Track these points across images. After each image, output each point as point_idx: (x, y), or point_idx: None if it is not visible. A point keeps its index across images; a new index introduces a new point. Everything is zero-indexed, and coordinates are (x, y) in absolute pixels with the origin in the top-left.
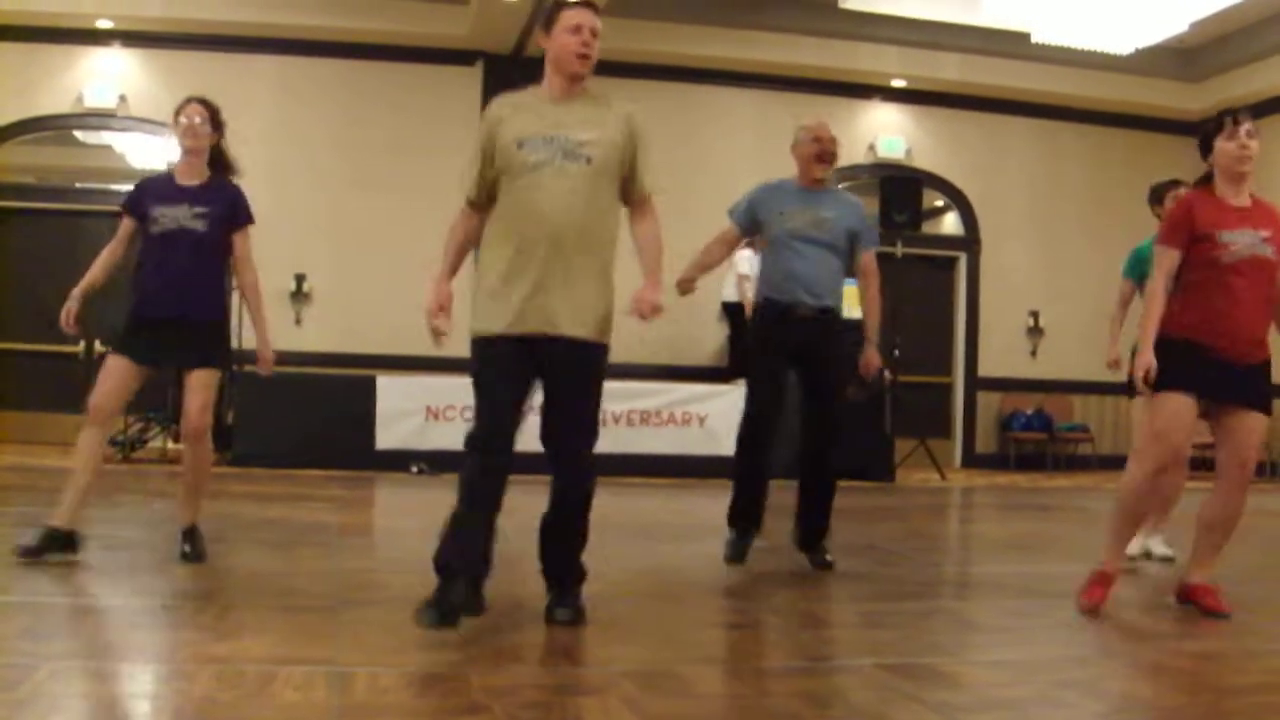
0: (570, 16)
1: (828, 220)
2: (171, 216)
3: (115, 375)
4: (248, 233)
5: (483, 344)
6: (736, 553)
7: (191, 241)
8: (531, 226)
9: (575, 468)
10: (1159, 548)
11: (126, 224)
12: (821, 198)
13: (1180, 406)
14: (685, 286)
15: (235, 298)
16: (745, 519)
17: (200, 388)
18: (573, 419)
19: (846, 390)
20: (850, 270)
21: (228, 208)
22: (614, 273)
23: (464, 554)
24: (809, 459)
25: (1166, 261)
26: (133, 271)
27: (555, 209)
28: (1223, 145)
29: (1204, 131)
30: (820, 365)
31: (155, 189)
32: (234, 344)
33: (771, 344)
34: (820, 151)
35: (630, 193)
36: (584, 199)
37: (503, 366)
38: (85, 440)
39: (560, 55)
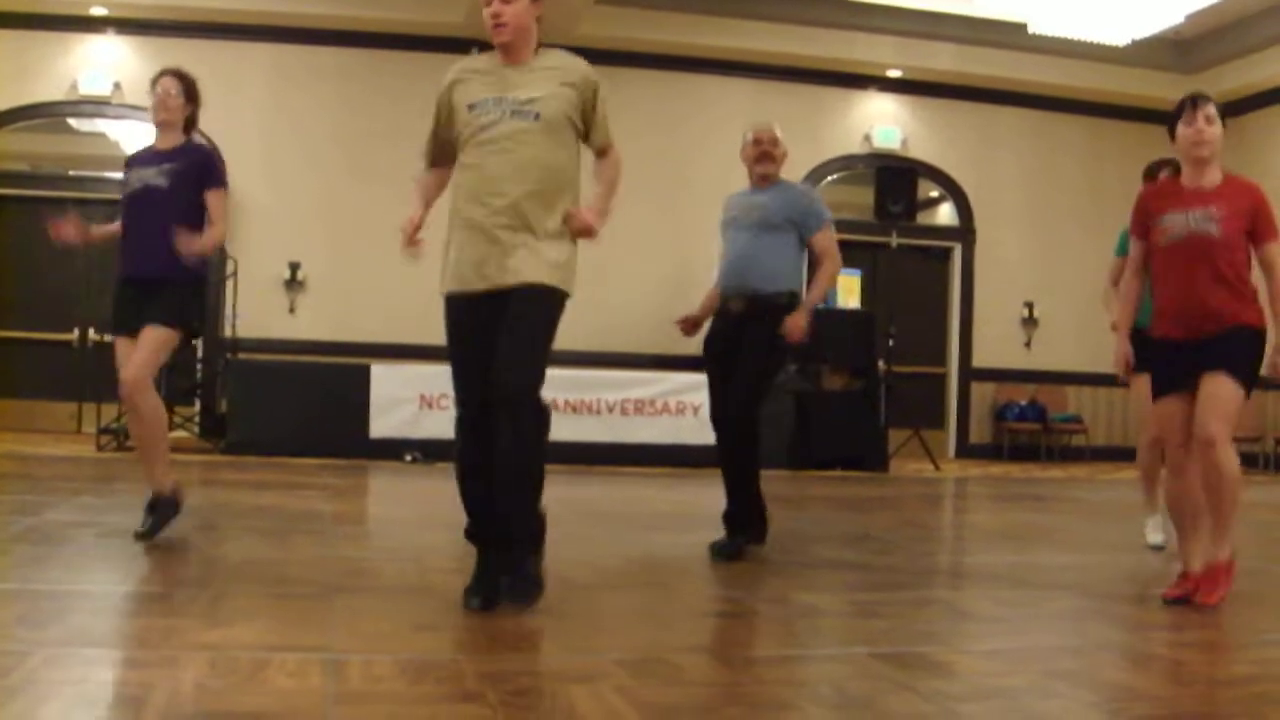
0: None
1: (758, 207)
2: (139, 177)
3: (123, 354)
4: (221, 195)
5: (448, 304)
6: (719, 551)
7: (155, 199)
8: (486, 186)
9: (510, 406)
10: (1153, 535)
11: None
12: (764, 192)
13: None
14: (689, 329)
15: (229, 286)
16: (728, 520)
17: (146, 341)
18: (509, 352)
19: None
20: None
21: (194, 167)
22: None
23: (478, 523)
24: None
25: (1133, 250)
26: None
27: (507, 168)
28: (1181, 130)
29: (1170, 117)
30: (740, 355)
31: (137, 155)
32: (228, 333)
33: (711, 347)
34: (759, 154)
35: (590, 143)
36: (534, 155)
37: (464, 328)
38: (130, 423)
39: (488, 33)
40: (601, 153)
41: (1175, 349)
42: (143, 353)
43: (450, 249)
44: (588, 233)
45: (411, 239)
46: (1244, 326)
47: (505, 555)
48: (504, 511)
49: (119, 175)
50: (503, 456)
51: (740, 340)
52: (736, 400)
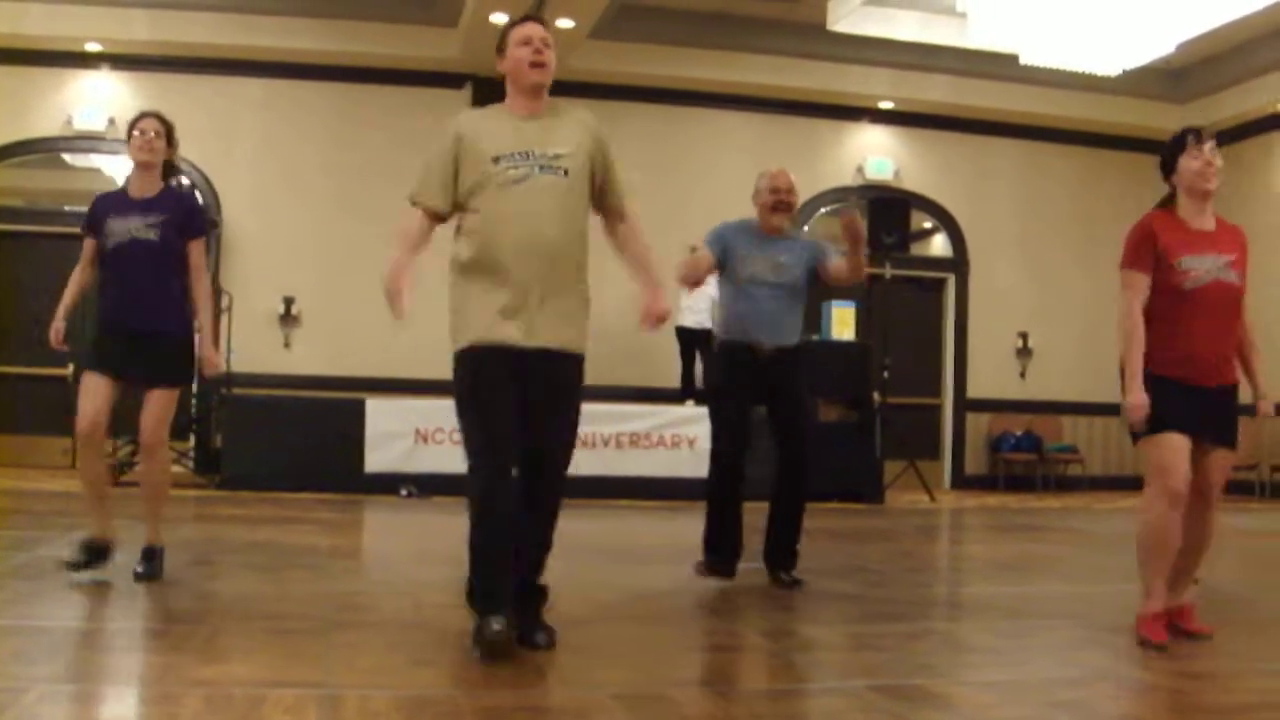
0: (519, 32)
1: (785, 265)
2: (123, 229)
3: (93, 392)
4: (202, 243)
5: (474, 355)
6: (711, 568)
7: (144, 252)
8: (516, 241)
9: (555, 477)
10: None
11: (89, 244)
12: (779, 244)
13: (1175, 444)
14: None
15: (224, 321)
16: (719, 550)
17: (157, 403)
18: (560, 430)
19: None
20: (823, 281)
21: (182, 216)
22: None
23: (499, 584)
24: (782, 488)
25: (1138, 286)
26: (97, 290)
27: (539, 223)
28: (1186, 163)
29: (1165, 151)
30: (785, 402)
31: (108, 204)
32: (222, 368)
33: (734, 385)
34: (776, 202)
35: (606, 201)
36: (563, 211)
37: (498, 377)
38: (84, 462)
39: (516, 69)
40: (621, 214)
41: (1188, 394)
42: (156, 412)
43: (468, 300)
44: (666, 319)
45: (400, 300)
46: (1236, 386)
47: (529, 607)
48: (531, 572)
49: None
50: (536, 525)
51: (771, 386)
52: (797, 441)
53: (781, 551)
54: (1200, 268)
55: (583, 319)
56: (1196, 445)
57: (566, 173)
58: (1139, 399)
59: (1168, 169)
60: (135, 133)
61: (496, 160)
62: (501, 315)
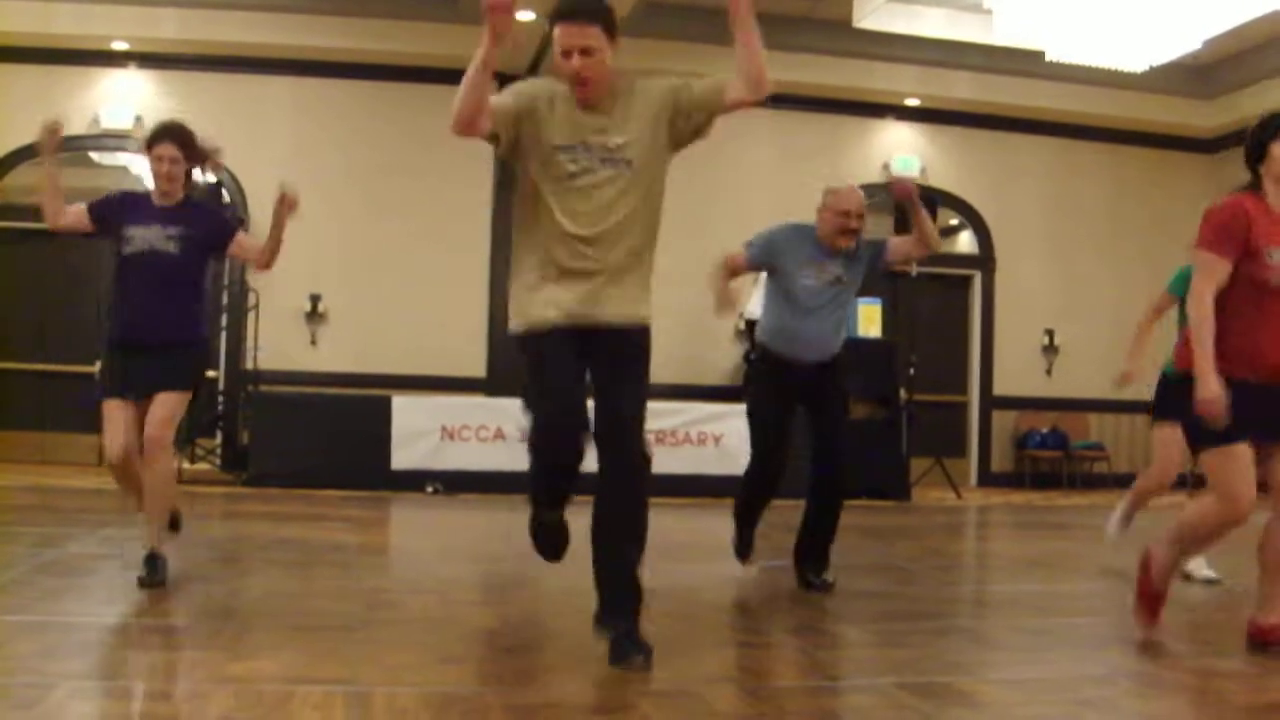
0: (558, 37)
1: (843, 280)
2: (143, 238)
3: (116, 422)
4: (245, 236)
5: (538, 336)
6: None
7: (163, 266)
8: (579, 232)
9: (631, 454)
10: (1201, 570)
11: (82, 213)
12: (840, 259)
13: (1243, 462)
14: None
15: (251, 318)
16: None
17: (163, 402)
18: (629, 403)
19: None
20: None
21: (204, 231)
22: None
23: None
24: (818, 488)
25: (1219, 272)
26: (108, 298)
27: (599, 218)
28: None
29: (1255, 134)
30: (824, 404)
31: (132, 204)
32: (249, 365)
33: (772, 392)
34: (843, 228)
35: (714, 98)
36: (628, 202)
37: (563, 355)
38: (123, 486)
39: (563, 77)
40: (722, 89)
41: (1257, 396)
42: (163, 412)
43: (529, 287)
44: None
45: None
46: None
47: (623, 611)
48: (620, 563)
49: None
50: (621, 507)
51: (810, 392)
52: (839, 445)
53: (816, 553)
54: None
55: (645, 294)
56: (1264, 447)
57: (630, 163)
58: (1213, 391)
59: (1256, 155)
60: (152, 159)
61: (558, 149)
62: (562, 299)
